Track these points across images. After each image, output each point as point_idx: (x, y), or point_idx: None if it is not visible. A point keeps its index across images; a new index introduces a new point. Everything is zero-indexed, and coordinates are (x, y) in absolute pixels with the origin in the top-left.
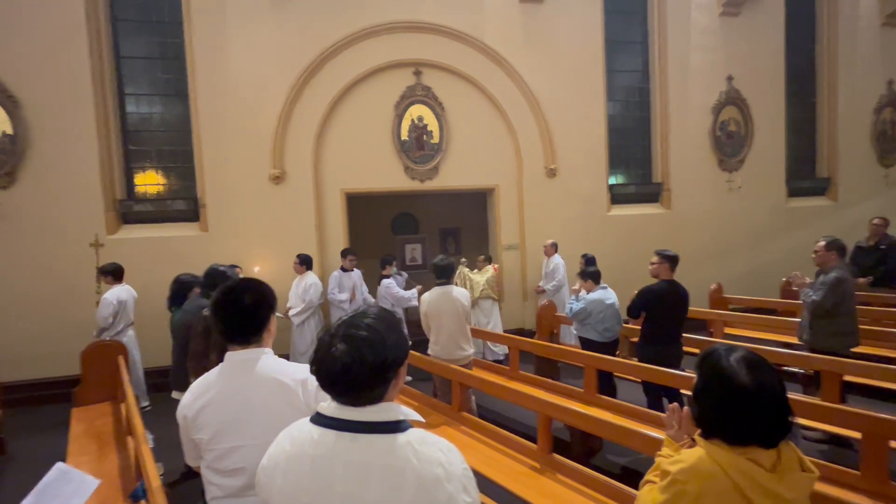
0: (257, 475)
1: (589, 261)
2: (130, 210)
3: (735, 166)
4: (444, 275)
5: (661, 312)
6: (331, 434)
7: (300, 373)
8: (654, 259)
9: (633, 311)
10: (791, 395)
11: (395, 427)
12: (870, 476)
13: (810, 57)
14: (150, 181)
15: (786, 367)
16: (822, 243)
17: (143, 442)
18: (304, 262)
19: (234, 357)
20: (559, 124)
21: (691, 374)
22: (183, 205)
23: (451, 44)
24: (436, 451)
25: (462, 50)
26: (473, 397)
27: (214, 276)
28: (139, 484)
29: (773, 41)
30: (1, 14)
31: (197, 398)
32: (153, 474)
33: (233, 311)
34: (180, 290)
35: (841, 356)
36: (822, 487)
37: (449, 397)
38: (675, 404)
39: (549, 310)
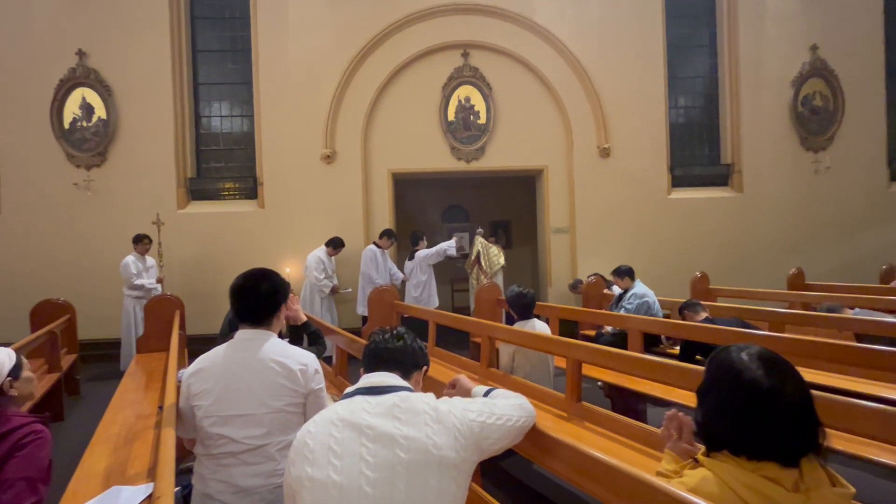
0: (298, 440)
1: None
2: (198, 187)
3: (822, 145)
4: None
5: None
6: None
7: (303, 356)
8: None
9: None
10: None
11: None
12: None
13: None
14: (216, 161)
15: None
16: None
17: (174, 367)
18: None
19: (244, 335)
20: (613, 102)
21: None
22: (243, 183)
23: (500, 24)
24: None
25: (510, 30)
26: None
27: None
28: None
29: (867, 6)
30: (101, 13)
31: (200, 363)
32: (171, 389)
33: (250, 294)
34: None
35: None
36: None
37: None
38: (674, 410)
39: (597, 287)
